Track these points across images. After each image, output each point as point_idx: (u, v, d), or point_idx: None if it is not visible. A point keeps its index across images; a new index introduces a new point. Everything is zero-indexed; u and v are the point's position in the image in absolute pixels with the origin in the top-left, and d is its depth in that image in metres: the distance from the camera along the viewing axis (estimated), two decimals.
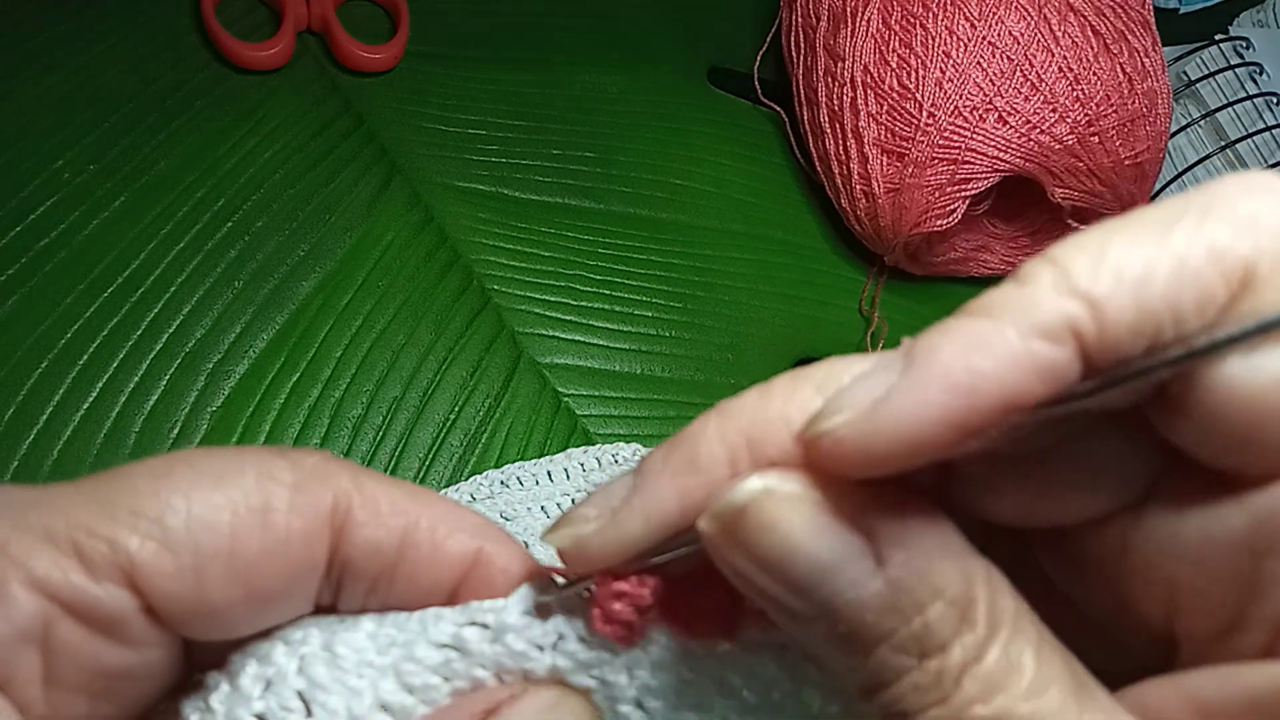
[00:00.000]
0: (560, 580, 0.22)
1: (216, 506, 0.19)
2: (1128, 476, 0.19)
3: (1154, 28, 0.65)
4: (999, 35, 0.61)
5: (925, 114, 0.61)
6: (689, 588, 0.21)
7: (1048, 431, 0.18)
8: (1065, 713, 0.17)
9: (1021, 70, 0.61)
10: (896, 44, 0.63)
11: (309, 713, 0.21)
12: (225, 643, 0.21)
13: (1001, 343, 0.16)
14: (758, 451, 0.19)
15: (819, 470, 0.18)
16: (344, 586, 0.21)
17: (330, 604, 0.22)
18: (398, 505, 0.21)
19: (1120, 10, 0.63)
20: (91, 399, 0.50)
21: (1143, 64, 0.63)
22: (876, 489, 0.18)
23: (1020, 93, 0.61)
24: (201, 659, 0.22)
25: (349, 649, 0.21)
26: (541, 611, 0.21)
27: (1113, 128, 0.62)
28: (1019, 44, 0.61)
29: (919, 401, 0.16)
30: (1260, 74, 0.76)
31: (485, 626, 0.21)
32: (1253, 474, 0.17)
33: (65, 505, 0.19)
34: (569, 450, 0.56)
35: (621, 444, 0.56)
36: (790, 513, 0.18)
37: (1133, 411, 0.18)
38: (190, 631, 0.20)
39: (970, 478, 0.19)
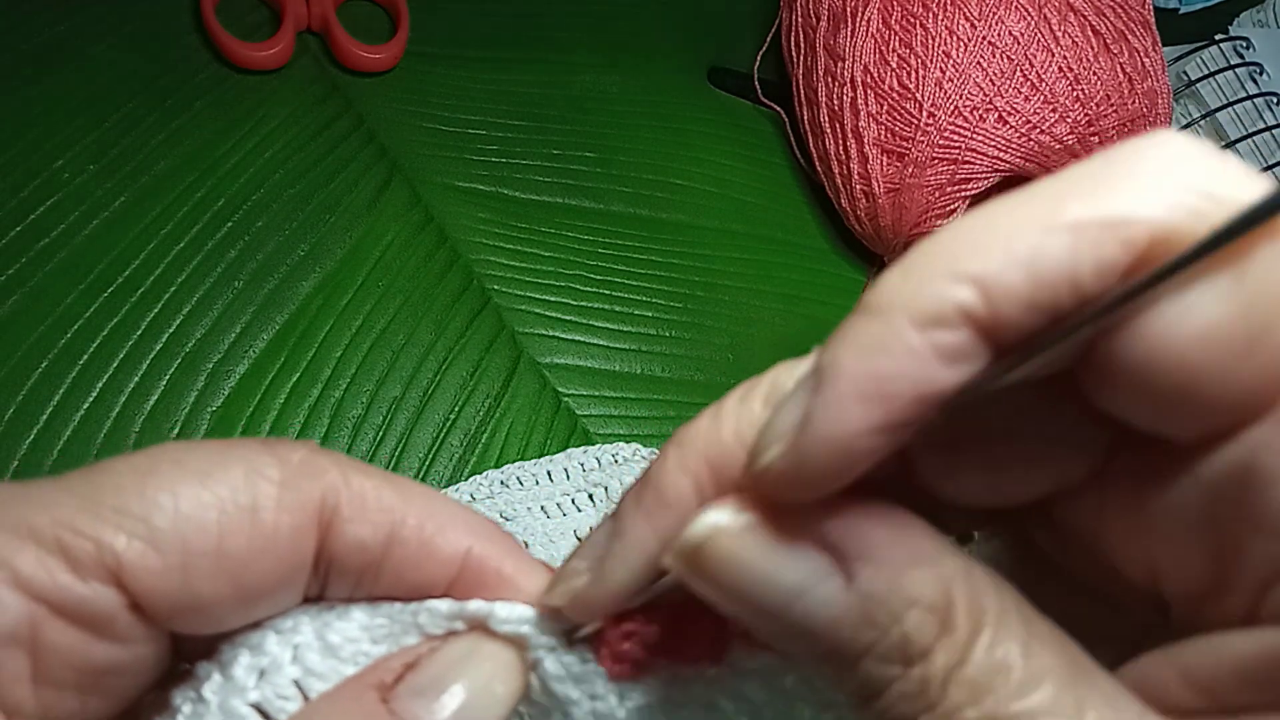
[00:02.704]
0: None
1: (204, 504, 0.19)
2: (1081, 447, 0.18)
3: (1154, 28, 0.65)
4: (999, 35, 0.61)
5: (925, 114, 0.61)
6: (677, 615, 0.21)
7: (992, 410, 0.18)
8: (1059, 707, 0.17)
9: (1021, 70, 0.61)
10: (896, 44, 0.63)
11: (305, 700, 0.21)
12: (214, 634, 0.21)
13: (897, 340, 0.16)
14: (720, 475, 0.19)
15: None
16: (330, 580, 0.21)
17: (317, 596, 0.22)
18: (385, 502, 0.21)
19: (1120, 10, 0.63)
20: (91, 399, 0.50)
21: (1143, 64, 0.63)
22: (840, 505, 0.17)
23: (1020, 93, 0.61)
24: (188, 649, 0.22)
25: (343, 638, 0.21)
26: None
27: (1113, 128, 0.62)
28: (1019, 44, 0.61)
29: (836, 419, 0.16)
30: (1260, 74, 0.76)
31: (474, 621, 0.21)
32: (1190, 438, 0.16)
33: (50, 502, 0.19)
34: (569, 450, 0.56)
35: (621, 444, 0.56)
36: (745, 545, 0.18)
37: (1072, 384, 0.17)
38: (178, 627, 0.20)
39: (929, 466, 0.19)
